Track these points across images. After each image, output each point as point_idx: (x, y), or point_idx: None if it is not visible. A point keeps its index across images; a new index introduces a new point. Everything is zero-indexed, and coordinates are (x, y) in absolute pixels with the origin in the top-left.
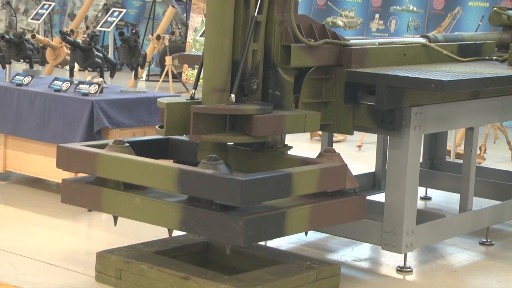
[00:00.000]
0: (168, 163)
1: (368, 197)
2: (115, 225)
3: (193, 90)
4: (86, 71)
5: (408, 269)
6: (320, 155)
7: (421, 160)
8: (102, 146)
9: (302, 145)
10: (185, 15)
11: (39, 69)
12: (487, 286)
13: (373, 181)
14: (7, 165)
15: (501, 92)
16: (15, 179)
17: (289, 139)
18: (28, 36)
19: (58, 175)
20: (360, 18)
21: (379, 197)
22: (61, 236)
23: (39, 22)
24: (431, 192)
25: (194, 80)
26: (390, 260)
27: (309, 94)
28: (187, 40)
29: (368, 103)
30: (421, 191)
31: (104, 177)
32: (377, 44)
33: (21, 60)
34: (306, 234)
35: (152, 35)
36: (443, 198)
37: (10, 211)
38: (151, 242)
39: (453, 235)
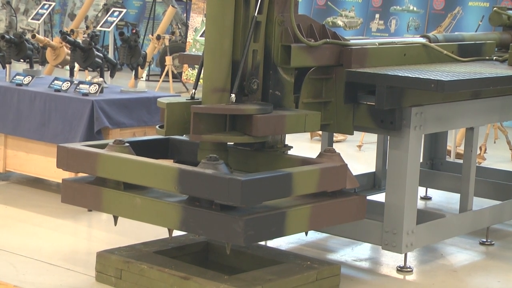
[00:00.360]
0: (168, 163)
1: (368, 197)
2: (115, 225)
3: (193, 90)
4: (86, 71)
5: (408, 269)
6: (320, 155)
7: (421, 160)
8: (102, 146)
9: (302, 145)
10: (185, 15)
11: (39, 69)
12: (487, 286)
13: (373, 181)
14: (7, 165)
15: (501, 92)
16: (15, 179)
17: (289, 139)
18: (28, 36)
19: (58, 175)
20: (360, 18)
21: (379, 197)
22: (61, 236)
23: (39, 22)
24: (431, 192)
25: (194, 80)
26: (390, 260)
27: (309, 94)
28: (187, 40)
29: (368, 103)
30: (421, 191)
31: (104, 177)
32: (377, 44)
33: (21, 60)
34: (306, 234)
35: (152, 35)
36: (443, 198)
37: (10, 211)
38: (151, 242)
39: (453, 235)
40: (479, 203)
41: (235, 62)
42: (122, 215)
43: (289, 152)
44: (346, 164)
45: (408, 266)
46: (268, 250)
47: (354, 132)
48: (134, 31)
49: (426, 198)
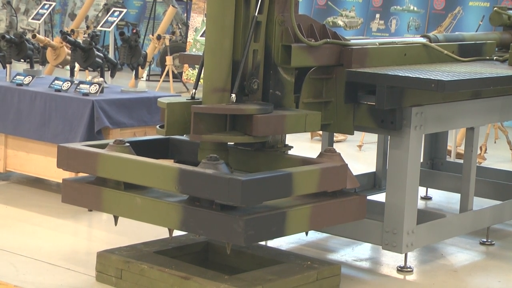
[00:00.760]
0: (168, 163)
1: (369, 197)
2: (115, 225)
3: (194, 90)
4: (87, 71)
5: (409, 269)
6: (320, 155)
7: (421, 160)
8: (102, 146)
9: (303, 145)
10: (185, 15)
11: (39, 69)
12: (487, 286)
13: (373, 181)
14: (8, 164)
15: (501, 92)
16: (15, 179)
17: (290, 138)
18: (29, 36)
19: (58, 175)
20: (361, 18)
21: (380, 197)
22: (61, 236)
23: (40, 22)
24: (432, 192)
25: (194, 80)
26: (390, 260)
27: (310, 94)
28: (188, 40)
29: (368, 103)
30: (422, 191)
31: (105, 177)
32: (377, 44)
33: (22, 60)
34: (306, 234)
35: (152, 35)
36: (443, 198)
37: (10, 211)
38: (151, 242)
39: (453, 235)
40: (480, 203)
41: (235, 62)
42: (122, 215)
43: (290, 152)
44: (347, 164)
45: (409, 266)
46: (269, 250)
47: (355, 132)
48: (134, 31)
49: (426, 198)
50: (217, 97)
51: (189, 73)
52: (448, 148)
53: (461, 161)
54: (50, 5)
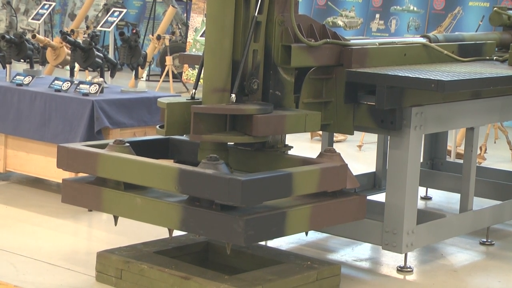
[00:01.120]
0: (168, 163)
1: (369, 197)
2: (115, 225)
3: (194, 90)
4: (87, 71)
5: (409, 269)
6: (320, 155)
7: (421, 160)
8: (102, 146)
9: (303, 145)
10: (185, 15)
11: (39, 69)
12: (487, 286)
13: (373, 181)
14: (8, 165)
15: (501, 92)
16: (15, 179)
17: (290, 139)
18: (29, 36)
19: (58, 175)
20: (361, 18)
21: (380, 197)
22: (61, 236)
23: (40, 22)
24: (432, 192)
25: (194, 80)
26: (390, 260)
27: (310, 94)
28: (188, 40)
29: (368, 103)
30: (422, 191)
31: (105, 177)
32: (377, 44)
33: (22, 60)
34: (306, 234)
35: (152, 35)
36: (443, 198)
37: (10, 211)
38: (151, 242)
39: (453, 235)
40: (479, 203)
41: (235, 62)
42: (122, 215)
43: (289, 152)
44: (346, 164)
45: (408, 266)
46: (269, 250)
47: (354, 132)
48: (134, 31)
49: (426, 198)
50: (217, 97)
51: (189, 73)
52: (448, 148)
53: (461, 161)
54: (50, 5)
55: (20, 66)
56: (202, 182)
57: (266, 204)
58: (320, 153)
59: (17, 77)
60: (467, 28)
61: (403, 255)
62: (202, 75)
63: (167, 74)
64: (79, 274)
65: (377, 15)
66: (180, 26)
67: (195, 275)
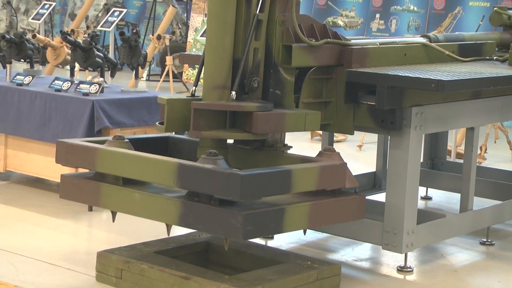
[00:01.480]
0: (168, 158)
1: (369, 197)
2: (113, 221)
3: (194, 88)
4: (87, 71)
5: (409, 269)
6: (319, 154)
7: (421, 160)
8: (101, 142)
9: (303, 145)
10: (185, 15)
11: (39, 69)
12: (487, 286)
13: (373, 181)
14: (8, 164)
15: (501, 92)
16: (15, 179)
17: (290, 139)
18: (29, 36)
19: (58, 175)
20: (361, 18)
21: (380, 197)
22: (61, 236)
23: (40, 22)
24: (432, 192)
25: (194, 79)
26: (390, 260)
27: (310, 94)
28: (188, 40)
29: (368, 103)
30: (422, 191)
31: (104, 172)
32: (378, 44)
33: (22, 60)
34: (305, 232)
35: (152, 35)
36: (443, 198)
37: (10, 211)
38: (151, 242)
39: (453, 235)
40: (480, 203)
41: (236, 60)
42: (120, 210)
43: (289, 152)
44: (346, 163)
45: (409, 266)
46: (269, 250)
47: (355, 132)
48: (134, 31)
49: (426, 198)
50: (217, 94)
51: (189, 73)
52: (448, 148)
53: (461, 161)
54: (50, 5)
55: (20, 66)
56: (201, 177)
57: (265, 201)
58: (320, 152)
59: (17, 77)
60: (467, 28)
61: (403, 255)
62: (202, 73)
63: (167, 74)
64: (79, 274)
65: (377, 15)
66: (180, 26)
67: (195, 275)
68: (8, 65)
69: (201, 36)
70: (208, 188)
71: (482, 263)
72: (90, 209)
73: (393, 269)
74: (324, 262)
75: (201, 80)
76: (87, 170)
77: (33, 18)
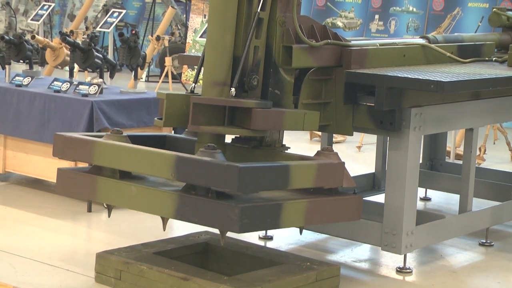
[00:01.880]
0: (165, 151)
1: (368, 198)
2: (109, 216)
3: (193, 84)
4: (86, 71)
5: (408, 270)
6: (317, 153)
7: (420, 161)
8: (99, 137)
9: (302, 146)
10: (184, 16)
11: (38, 70)
12: (486, 287)
13: (372, 182)
14: (7, 165)
15: (500, 93)
16: (14, 180)
17: (289, 139)
18: (28, 37)
19: None
20: (360, 19)
21: (379, 198)
22: (60, 237)
23: (39, 23)
24: (431, 193)
25: (194, 77)
26: (389, 261)
27: (309, 95)
28: (187, 41)
29: (367, 104)
30: (421, 192)
31: (101, 165)
32: (378, 45)
33: (21, 61)
34: (301, 232)
35: (151, 36)
36: (442, 199)
37: (9, 212)
38: (150, 242)
39: (452, 236)
40: (479, 204)
41: (236, 57)
42: (116, 204)
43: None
44: (344, 162)
45: (408, 267)
46: (268, 251)
47: (354, 133)
48: (133, 32)
49: (425, 199)
50: (217, 90)
51: (188, 74)
52: (447, 149)
53: (460, 162)
54: (49, 6)
55: (19, 67)
56: (199, 169)
57: (262, 196)
58: (318, 151)
59: (17, 78)
60: (467, 29)
61: (403, 256)
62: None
63: (167, 75)
64: (78, 275)
65: (377, 16)
66: (179, 27)
67: (195, 276)
68: (7, 66)
69: (200, 37)
70: (206, 180)
71: (482, 264)
72: (89, 210)
73: (392, 270)
74: (323, 263)
75: (200, 82)
76: (85, 166)
77: (32, 19)
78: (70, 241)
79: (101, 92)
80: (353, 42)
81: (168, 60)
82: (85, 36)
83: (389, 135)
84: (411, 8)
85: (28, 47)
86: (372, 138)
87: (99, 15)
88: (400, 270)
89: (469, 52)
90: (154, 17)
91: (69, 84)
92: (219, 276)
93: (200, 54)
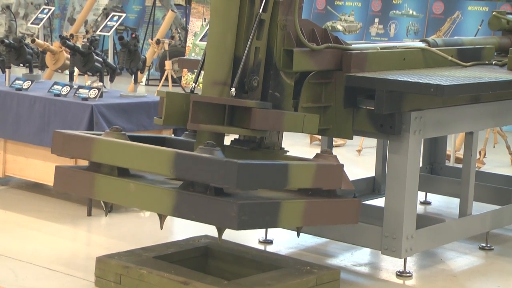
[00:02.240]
0: (164, 148)
1: (368, 202)
2: (106, 215)
3: (193, 84)
4: (86, 75)
5: (408, 274)
6: (316, 156)
7: (420, 165)
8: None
9: (302, 150)
10: (184, 19)
11: (38, 74)
12: None
13: (372, 186)
14: (7, 169)
15: (500, 96)
16: (14, 184)
17: (289, 143)
18: (28, 40)
19: None
20: (360, 23)
21: (379, 202)
22: (60, 241)
23: (39, 26)
24: (431, 196)
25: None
26: (389, 265)
27: (309, 99)
28: (187, 45)
29: (367, 107)
30: (421, 195)
31: (99, 162)
32: (378, 48)
33: (21, 65)
34: (298, 234)
35: (151, 39)
36: (442, 203)
37: (9, 216)
38: (150, 247)
39: (452, 239)
40: (479, 207)
41: (236, 58)
42: (114, 201)
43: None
44: (342, 164)
45: (408, 271)
46: (268, 255)
47: (354, 136)
48: (133, 35)
49: (425, 202)
50: (217, 90)
51: (188, 78)
52: (447, 152)
53: (460, 165)
54: (49, 9)
55: (19, 71)
56: (197, 165)
57: (261, 195)
58: (317, 154)
59: (17, 81)
60: (466, 33)
61: (403, 260)
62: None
63: (166, 79)
64: (78, 279)
65: (376, 20)
66: (179, 31)
67: (195, 280)
68: (7, 70)
69: (200, 40)
70: (205, 177)
71: (482, 268)
72: (89, 214)
73: (392, 274)
74: (323, 267)
75: (200, 86)
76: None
77: (32, 23)
78: (70, 245)
79: (101, 96)
80: (354, 46)
81: (168, 64)
82: (85, 40)
83: (389, 138)
84: (411, 12)
85: (28, 51)
86: (372, 141)
87: (99, 19)
88: (400, 274)
89: (469, 56)
90: (154, 21)
91: (69, 87)
92: (219, 280)
93: (200, 58)
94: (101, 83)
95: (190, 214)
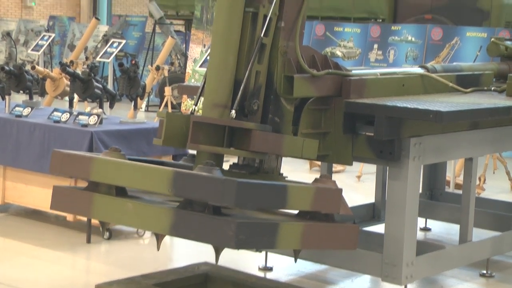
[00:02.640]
0: (163, 166)
1: (368, 228)
2: (102, 236)
3: (194, 107)
4: (86, 102)
5: None
6: (315, 181)
7: (420, 191)
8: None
9: (301, 176)
10: (184, 45)
11: (38, 100)
12: None
13: (372, 212)
14: (6, 196)
15: (499, 122)
16: (14, 211)
17: (288, 169)
18: (28, 67)
19: None
20: (359, 49)
21: (379, 228)
22: (59, 269)
23: (39, 53)
24: (431, 223)
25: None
26: None
27: (308, 125)
28: (187, 71)
29: (367, 133)
30: (421, 222)
31: (98, 181)
32: (378, 74)
33: (21, 91)
34: (295, 260)
35: (151, 65)
36: (442, 229)
37: (8, 243)
38: (150, 274)
39: (453, 266)
40: (479, 234)
41: (237, 81)
42: (112, 220)
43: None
44: (341, 189)
45: None
46: (267, 282)
47: (353, 162)
48: (133, 62)
49: (425, 229)
50: (218, 112)
51: (188, 104)
52: (447, 178)
53: (460, 191)
54: (50, 36)
55: (19, 98)
56: (196, 184)
57: (259, 216)
58: (315, 178)
59: (16, 108)
60: (465, 59)
61: (403, 287)
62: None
63: (166, 105)
64: None
65: (375, 46)
66: (179, 57)
67: None
68: (7, 97)
69: (200, 66)
70: (203, 195)
71: None
72: (89, 241)
73: None
74: None
75: (200, 111)
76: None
77: (32, 50)
78: (69, 273)
79: (100, 122)
80: (353, 72)
81: (167, 90)
82: (85, 66)
83: (388, 165)
84: (409, 38)
85: (28, 78)
86: (372, 168)
87: (99, 45)
88: None
89: (468, 82)
90: (154, 47)
91: (69, 114)
92: None
93: (199, 84)
94: (100, 110)
95: (187, 233)
